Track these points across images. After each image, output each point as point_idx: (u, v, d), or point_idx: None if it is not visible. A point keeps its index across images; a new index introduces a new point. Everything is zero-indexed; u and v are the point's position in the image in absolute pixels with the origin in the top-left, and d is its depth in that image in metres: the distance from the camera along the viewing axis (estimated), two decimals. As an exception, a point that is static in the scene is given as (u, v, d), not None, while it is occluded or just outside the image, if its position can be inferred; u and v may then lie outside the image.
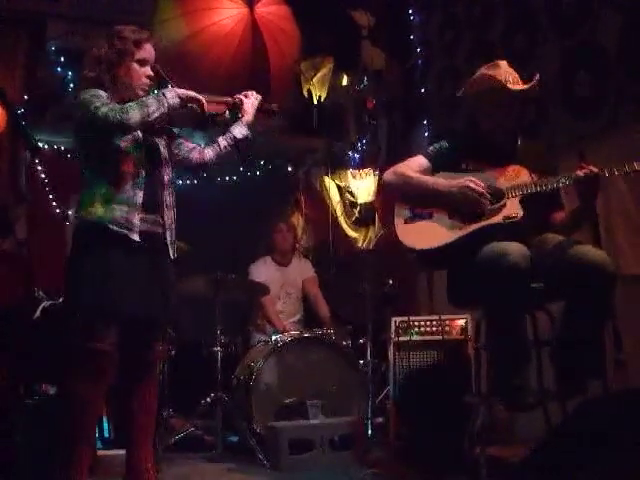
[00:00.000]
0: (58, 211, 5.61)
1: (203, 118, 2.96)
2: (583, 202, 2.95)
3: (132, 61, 2.87)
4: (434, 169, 3.18)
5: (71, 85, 5.10)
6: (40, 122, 5.10)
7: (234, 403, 4.08)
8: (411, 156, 3.28)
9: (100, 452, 3.77)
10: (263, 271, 5.10)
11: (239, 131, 3.10)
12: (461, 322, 4.08)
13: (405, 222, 3.14)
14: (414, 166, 3.20)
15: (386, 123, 6.16)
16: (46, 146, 5.63)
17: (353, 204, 6.17)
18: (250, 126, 3.12)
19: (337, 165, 6.33)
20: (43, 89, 5.18)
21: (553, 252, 2.87)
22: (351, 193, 6.16)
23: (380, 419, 4.40)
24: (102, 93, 2.78)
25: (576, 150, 3.07)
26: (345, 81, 6.26)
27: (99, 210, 2.74)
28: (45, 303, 4.13)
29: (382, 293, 4.71)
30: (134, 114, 2.71)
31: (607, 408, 1.99)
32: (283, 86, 5.09)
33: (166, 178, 2.94)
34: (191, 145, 3.12)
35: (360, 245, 6.03)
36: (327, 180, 6.35)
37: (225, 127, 3.14)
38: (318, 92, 6.06)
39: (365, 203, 6.04)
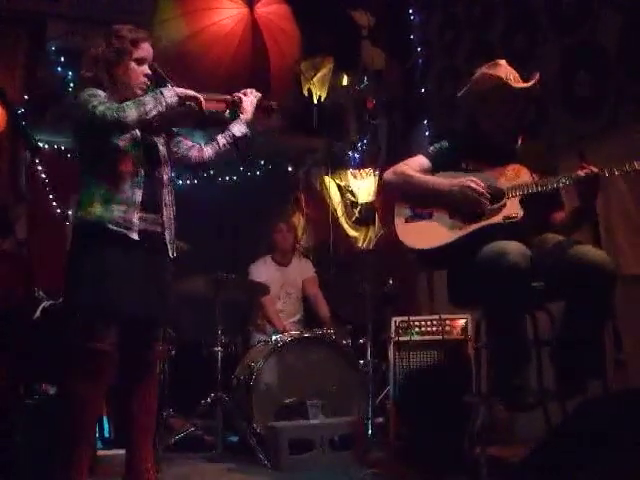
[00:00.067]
0: (58, 211, 5.61)
1: (202, 116, 2.96)
2: (583, 202, 2.95)
3: (130, 60, 2.87)
4: (434, 169, 3.18)
5: (71, 85, 5.10)
6: (40, 122, 5.10)
7: (234, 403, 4.08)
8: (411, 156, 3.28)
9: (100, 452, 3.78)
10: (263, 271, 5.10)
11: (238, 129, 3.10)
12: (461, 322, 4.08)
13: (405, 222, 3.14)
14: (414, 166, 3.20)
15: (386, 123, 6.16)
16: (46, 146, 5.63)
17: (353, 204, 6.17)
18: (249, 124, 3.12)
19: (337, 165, 6.33)
20: (43, 89, 5.18)
21: (553, 252, 2.87)
22: (351, 193, 6.16)
23: (380, 419, 4.40)
24: (100, 93, 2.78)
25: (576, 150, 3.07)
26: (345, 81, 6.26)
27: (98, 210, 2.74)
28: (45, 303, 4.13)
29: (382, 293, 4.71)
30: (131, 112, 2.71)
31: (607, 408, 1.99)
32: (283, 86, 5.09)
33: (165, 177, 2.94)
34: (190, 143, 3.12)
35: (360, 245, 6.03)
36: (327, 180, 6.35)
37: (224, 125, 3.14)
38: (318, 92, 6.06)
39: (365, 203, 6.04)
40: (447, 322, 4.10)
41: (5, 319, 3.87)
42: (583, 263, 2.73)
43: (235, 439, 4.28)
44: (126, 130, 2.77)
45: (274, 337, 4.31)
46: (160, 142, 2.97)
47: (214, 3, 4.62)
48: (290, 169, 6.73)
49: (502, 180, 3.05)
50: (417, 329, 4.14)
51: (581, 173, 2.86)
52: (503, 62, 3.15)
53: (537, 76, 3.08)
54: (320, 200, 6.48)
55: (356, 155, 6.27)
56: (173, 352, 4.45)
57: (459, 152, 3.21)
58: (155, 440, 3.29)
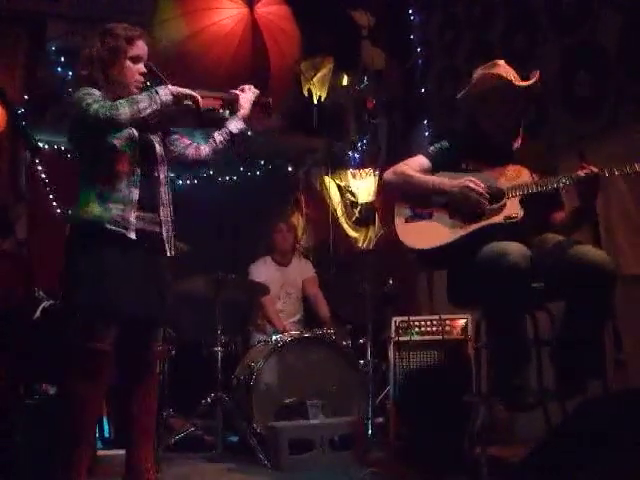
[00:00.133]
0: (58, 211, 5.60)
1: (199, 115, 2.96)
2: (583, 202, 2.95)
3: (125, 59, 2.87)
4: (434, 169, 3.18)
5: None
6: (40, 122, 5.10)
7: (234, 403, 4.08)
8: (411, 156, 3.28)
9: (100, 452, 3.78)
10: (263, 271, 5.10)
11: (235, 125, 3.08)
12: (461, 322, 4.08)
13: (405, 222, 3.14)
14: (414, 166, 3.20)
15: (386, 123, 6.16)
16: (46, 146, 5.63)
17: (353, 204, 6.17)
18: (246, 121, 3.11)
19: (337, 165, 6.33)
20: (43, 89, 5.18)
21: (553, 252, 2.87)
22: (351, 193, 6.16)
23: (380, 419, 4.40)
24: (96, 92, 2.78)
25: (576, 150, 3.07)
26: (345, 81, 6.26)
27: (95, 209, 2.74)
28: (45, 303, 4.13)
29: (382, 293, 4.71)
30: (124, 110, 2.71)
31: (607, 408, 1.99)
32: (283, 86, 5.10)
33: (162, 176, 2.93)
34: (187, 141, 3.11)
35: (360, 245, 6.03)
36: (327, 180, 6.35)
37: (223, 123, 3.13)
38: (318, 92, 6.06)
39: (365, 203, 6.04)
40: (447, 322, 4.10)
41: (5, 319, 3.87)
42: (583, 263, 2.73)
43: (235, 439, 4.27)
44: (119, 128, 2.76)
45: (274, 337, 4.31)
46: (157, 141, 2.96)
47: (214, 3, 4.63)
48: (290, 169, 6.73)
49: (502, 180, 3.05)
50: (417, 329, 4.14)
51: (581, 173, 2.86)
52: (502, 62, 3.15)
53: (537, 74, 3.08)
54: (320, 200, 6.48)
55: (356, 155, 6.27)
56: (173, 352, 4.45)
57: (459, 152, 3.21)
58: (155, 440, 3.29)
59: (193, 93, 2.90)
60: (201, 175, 6.32)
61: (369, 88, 6.12)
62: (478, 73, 3.19)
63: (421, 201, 3.13)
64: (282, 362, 4.18)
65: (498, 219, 2.96)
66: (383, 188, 3.67)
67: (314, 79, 6.01)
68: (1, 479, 3.12)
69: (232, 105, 3.10)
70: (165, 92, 2.81)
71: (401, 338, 4.12)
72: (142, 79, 2.92)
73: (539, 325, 3.11)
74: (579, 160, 2.94)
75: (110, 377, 2.80)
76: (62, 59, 5.24)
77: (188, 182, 6.26)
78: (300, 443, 3.64)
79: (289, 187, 6.79)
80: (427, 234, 3.06)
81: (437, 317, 4.14)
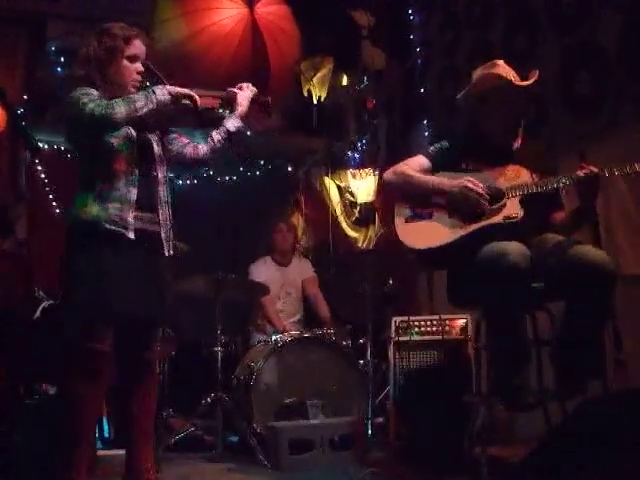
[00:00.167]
0: (58, 211, 5.60)
1: (198, 114, 2.96)
2: (583, 202, 2.95)
3: (122, 58, 2.86)
4: (434, 169, 3.18)
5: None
6: (40, 122, 5.10)
7: (234, 403, 4.08)
8: (411, 156, 3.28)
9: (100, 452, 3.78)
10: (263, 271, 5.10)
11: (232, 124, 3.06)
12: (461, 322, 4.07)
13: (405, 222, 3.14)
14: (414, 166, 3.20)
15: (386, 123, 6.16)
16: (46, 146, 5.63)
17: (353, 204, 6.17)
18: (244, 119, 3.09)
19: (337, 165, 6.33)
20: (43, 89, 5.18)
21: (553, 252, 2.87)
22: (351, 193, 6.16)
23: (380, 419, 4.40)
24: (93, 91, 2.77)
25: (576, 150, 3.07)
26: (345, 81, 6.27)
27: (93, 209, 2.73)
28: (45, 303, 4.13)
29: (382, 293, 4.70)
30: (120, 109, 2.71)
31: (607, 408, 1.99)
32: (283, 86, 5.10)
33: (160, 175, 2.92)
34: (185, 140, 3.09)
35: (360, 245, 6.03)
36: (327, 180, 6.35)
37: (221, 121, 3.12)
38: (318, 92, 6.07)
39: (365, 203, 6.04)
40: (447, 322, 4.10)
41: (5, 319, 3.87)
42: (583, 263, 2.73)
43: (235, 439, 4.27)
44: (116, 127, 2.75)
45: (274, 337, 4.31)
46: (155, 140, 2.95)
47: (214, 3, 4.63)
48: (290, 169, 6.73)
49: (502, 180, 3.05)
50: (417, 329, 4.14)
51: (581, 173, 2.86)
52: (501, 62, 3.15)
53: (536, 74, 3.09)
54: (320, 200, 6.48)
55: (356, 155, 6.27)
56: (173, 352, 4.45)
57: (459, 152, 3.21)
58: (155, 440, 3.29)
59: (191, 93, 2.89)
60: (201, 175, 6.32)
61: (369, 88, 6.12)
62: (478, 73, 3.19)
63: (421, 201, 3.13)
64: (282, 362, 4.18)
65: (498, 219, 2.96)
66: (383, 188, 3.67)
67: (314, 79, 6.01)
68: (1, 479, 3.12)
69: (230, 103, 3.09)
70: (162, 92, 2.81)
71: (401, 338, 4.12)
72: (140, 78, 2.91)
73: (539, 325, 3.11)
74: (579, 160, 2.94)
75: (110, 377, 2.80)
76: (62, 59, 5.25)
77: (188, 182, 6.27)
78: (300, 443, 3.64)
79: (289, 187, 6.79)
80: (427, 234, 3.06)
81: (437, 317, 4.14)
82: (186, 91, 2.88)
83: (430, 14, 5.67)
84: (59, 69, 5.25)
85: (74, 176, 2.90)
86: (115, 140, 2.78)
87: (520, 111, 3.17)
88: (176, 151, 3.05)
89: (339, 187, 6.28)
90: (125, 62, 2.87)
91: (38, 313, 4.12)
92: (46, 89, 5.16)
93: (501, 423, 3.88)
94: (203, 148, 3.08)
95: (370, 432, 4.22)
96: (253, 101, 3.12)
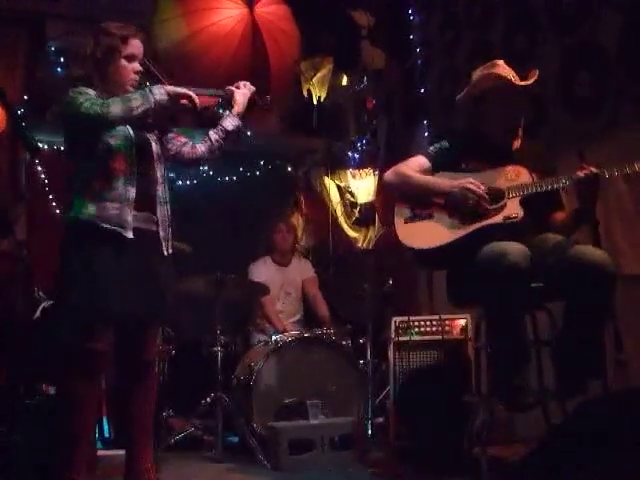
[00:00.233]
0: (58, 211, 5.60)
1: (198, 114, 2.95)
2: (583, 203, 2.95)
3: (120, 57, 2.86)
4: (434, 169, 3.18)
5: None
6: (40, 122, 5.10)
7: (234, 403, 4.08)
8: (411, 156, 3.28)
9: (100, 452, 3.77)
10: (263, 271, 5.10)
11: (230, 122, 3.06)
12: (461, 322, 4.08)
13: (405, 222, 3.14)
14: (414, 166, 3.20)
15: (386, 123, 6.15)
16: (46, 146, 5.63)
17: (353, 204, 6.17)
18: (242, 117, 3.08)
19: (337, 165, 6.32)
20: (43, 89, 5.18)
21: (553, 252, 2.87)
22: (351, 193, 6.16)
23: (380, 419, 4.40)
24: (90, 91, 2.77)
25: (576, 150, 3.07)
26: (345, 81, 6.26)
27: (91, 208, 2.72)
28: (45, 303, 4.14)
29: (382, 293, 4.70)
30: (115, 108, 2.71)
31: (607, 408, 1.99)
32: (283, 86, 5.10)
33: (159, 174, 2.91)
34: (183, 140, 3.08)
35: (360, 245, 6.03)
36: (327, 180, 6.35)
37: (219, 120, 3.12)
38: (318, 92, 6.06)
39: (365, 203, 6.03)
40: (447, 322, 4.10)
41: (5, 319, 3.87)
42: (583, 263, 2.73)
43: (235, 439, 4.27)
44: (112, 125, 2.75)
45: (274, 337, 4.31)
46: (153, 139, 2.94)
47: (214, 3, 4.63)
48: (290, 169, 6.73)
49: (502, 180, 3.05)
50: (417, 329, 4.14)
51: (580, 174, 2.86)
52: (501, 62, 3.15)
53: (536, 73, 3.09)
54: (320, 200, 6.48)
55: (355, 155, 6.26)
56: (173, 352, 4.45)
57: (459, 152, 3.21)
58: (155, 440, 3.29)
59: (189, 92, 2.89)
60: (201, 175, 6.32)
61: (369, 88, 6.12)
62: (478, 73, 3.19)
63: (421, 201, 3.13)
64: (282, 362, 4.18)
65: (498, 219, 2.96)
66: (383, 188, 3.67)
67: (314, 79, 6.01)
68: (1, 479, 3.12)
69: (228, 102, 3.08)
70: (160, 91, 2.81)
71: (401, 338, 4.12)
72: (138, 77, 2.91)
73: (539, 325, 3.11)
74: (579, 160, 2.94)
75: (110, 377, 2.80)
76: (62, 59, 5.24)
77: (188, 182, 6.26)
78: (300, 443, 3.65)
79: (289, 187, 6.78)
80: (427, 234, 3.06)
81: (437, 317, 4.15)
82: (185, 91, 2.88)
83: (430, 14, 5.67)
84: (59, 69, 5.25)
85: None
86: (113, 139, 2.77)
87: (520, 111, 3.17)
88: (174, 150, 3.05)
89: (339, 187, 6.28)
90: (123, 61, 2.87)
91: (38, 313, 4.12)
92: (46, 89, 5.16)
93: (501, 423, 3.88)
94: (201, 147, 3.07)
95: (370, 432, 4.23)
96: (252, 100, 3.12)
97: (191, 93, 2.89)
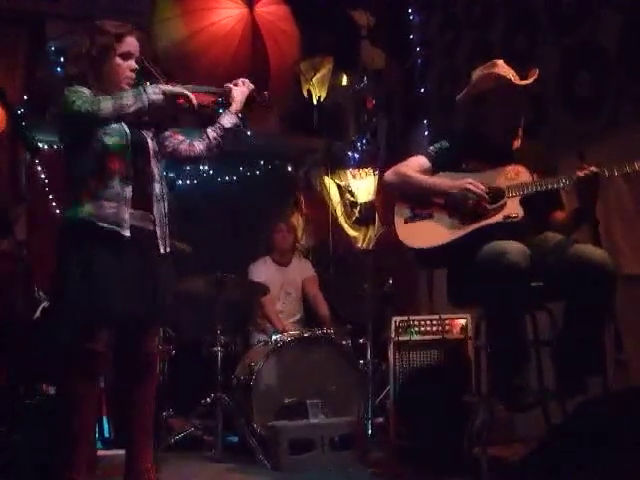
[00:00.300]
0: (58, 211, 5.60)
1: (197, 114, 2.94)
2: (583, 203, 2.95)
3: (115, 55, 2.84)
4: (435, 169, 3.18)
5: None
6: (40, 122, 5.10)
7: (234, 403, 4.08)
8: (412, 156, 3.28)
9: (100, 452, 3.77)
10: (263, 271, 5.10)
11: (228, 120, 3.04)
12: (461, 322, 4.08)
13: (405, 222, 3.14)
14: (415, 166, 3.20)
15: (386, 123, 6.16)
16: (46, 146, 5.63)
17: (353, 204, 6.17)
18: (240, 115, 3.06)
19: (337, 165, 6.32)
20: (43, 89, 5.17)
21: (553, 251, 2.87)
22: (351, 193, 6.16)
23: (380, 419, 4.40)
24: (84, 90, 2.75)
25: (576, 150, 3.07)
26: (345, 81, 6.26)
27: (88, 208, 2.71)
28: (45, 303, 4.13)
29: (382, 293, 4.70)
30: (106, 105, 2.70)
31: (607, 408, 1.99)
32: (283, 86, 5.10)
33: (155, 171, 2.89)
34: (180, 138, 3.06)
35: (360, 245, 6.03)
36: (327, 180, 6.35)
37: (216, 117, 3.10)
38: (318, 92, 6.07)
39: (365, 203, 6.03)
40: (447, 322, 4.10)
41: (5, 319, 3.87)
42: (583, 262, 2.73)
43: (235, 439, 4.27)
44: (103, 123, 2.73)
45: (274, 337, 4.31)
46: (149, 136, 2.92)
47: (214, 3, 4.63)
48: (290, 169, 6.73)
49: (502, 180, 3.05)
50: (417, 329, 4.14)
51: (581, 174, 2.85)
52: (501, 62, 3.15)
53: (536, 73, 3.08)
54: (320, 200, 6.48)
55: (355, 155, 6.26)
56: (173, 352, 4.45)
57: (459, 152, 3.21)
58: (155, 440, 3.29)
59: (186, 92, 2.87)
60: (201, 175, 6.32)
61: (369, 88, 6.12)
62: (477, 73, 3.19)
63: (421, 201, 3.13)
64: (282, 362, 4.18)
65: (498, 219, 2.96)
66: (383, 188, 3.67)
67: (314, 79, 6.01)
68: (1, 479, 3.12)
69: (226, 99, 3.06)
70: (154, 90, 2.80)
71: (401, 338, 4.12)
72: (134, 75, 2.89)
73: (539, 325, 3.11)
74: (579, 160, 2.94)
75: (110, 377, 2.80)
76: (62, 59, 5.24)
77: (188, 182, 6.26)
78: (300, 443, 3.64)
79: (289, 187, 6.78)
80: (427, 234, 3.06)
81: (437, 317, 4.15)
82: (182, 91, 2.86)
83: (430, 14, 5.67)
84: (59, 69, 5.25)
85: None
86: (108, 137, 2.75)
87: (520, 111, 3.17)
88: (172, 148, 3.03)
89: (339, 187, 6.28)
90: (118, 60, 2.85)
91: (38, 313, 4.12)
92: (46, 89, 5.16)
93: (501, 423, 3.88)
94: (199, 145, 3.05)
95: (370, 432, 4.23)
96: (251, 97, 3.11)
97: (188, 93, 2.87)
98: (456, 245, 2.99)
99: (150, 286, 2.79)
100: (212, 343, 4.19)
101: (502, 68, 3.11)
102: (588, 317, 2.76)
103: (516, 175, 3.05)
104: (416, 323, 4.14)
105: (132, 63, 2.89)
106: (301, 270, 5.27)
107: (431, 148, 3.28)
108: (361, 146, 6.25)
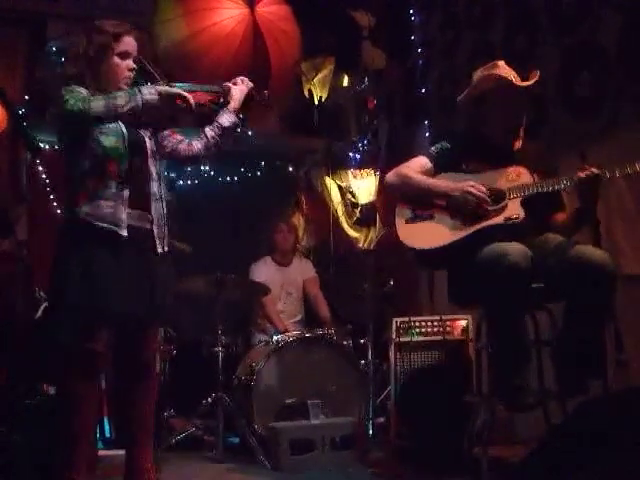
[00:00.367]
0: (59, 211, 5.60)
1: (196, 114, 2.94)
2: (584, 203, 2.95)
3: (112, 55, 2.83)
4: (436, 170, 3.18)
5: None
6: (40, 122, 5.10)
7: (235, 403, 4.08)
8: (413, 156, 3.28)
9: (100, 452, 3.78)
10: (264, 271, 5.10)
11: (226, 119, 3.02)
12: (462, 322, 4.07)
13: (406, 222, 3.14)
14: (416, 167, 3.20)
15: (387, 123, 6.16)
16: (47, 146, 5.63)
17: (354, 204, 6.17)
18: (238, 113, 3.05)
19: (338, 165, 6.32)
20: (43, 89, 5.17)
21: (554, 252, 2.87)
22: (352, 193, 6.16)
23: (381, 419, 4.40)
24: (81, 89, 2.74)
25: (576, 150, 3.08)
26: (346, 81, 6.27)
27: (86, 207, 2.70)
28: (45, 303, 4.13)
29: (383, 293, 4.70)
30: (97, 104, 2.69)
31: (607, 408, 1.99)
32: (284, 86, 5.09)
33: (153, 171, 2.88)
34: (179, 137, 3.05)
35: (361, 245, 6.03)
36: (328, 180, 6.35)
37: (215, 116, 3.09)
38: (319, 92, 6.07)
39: (366, 203, 6.03)
40: (448, 323, 4.10)
41: (5, 319, 3.87)
42: (583, 263, 2.73)
43: (236, 439, 4.27)
44: (92, 122, 2.72)
45: (275, 337, 4.31)
46: (147, 136, 2.91)
47: (215, 3, 4.62)
48: (291, 169, 6.73)
49: (503, 181, 3.05)
50: (418, 330, 4.14)
51: (582, 175, 2.85)
52: (501, 63, 3.15)
53: (537, 74, 3.08)
54: (320, 200, 6.48)
55: (356, 155, 6.26)
56: (174, 352, 4.45)
57: (460, 153, 3.21)
58: (155, 440, 3.29)
59: (183, 93, 2.85)
60: (202, 175, 6.32)
61: (369, 88, 6.12)
62: (478, 74, 3.19)
63: (422, 202, 3.13)
64: (283, 362, 4.18)
65: (499, 220, 2.96)
66: (384, 189, 3.66)
67: (315, 79, 6.01)
68: (1, 479, 3.13)
69: (224, 98, 3.05)
70: (150, 91, 2.78)
71: (402, 339, 4.12)
72: (131, 75, 2.88)
73: (539, 325, 3.11)
74: (580, 161, 2.94)
75: (110, 377, 2.80)
76: (62, 59, 5.24)
77: (189, 182, 6.26)
78: (301, 443, 3.64)
79: (290, 187, 6.78)
80: (428, 235, 3.06)
81: (438, 318, 4.14)
82: (178, 91, 2.85)
83: (430, 14, 5.67)
84: (59, 69, 5.25)
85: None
86: (105, 137, 2.74)
87: (521, 111, 3.17)
88: (170, 148, 3.01)
89: (340, 187, 6.28)
90: (116, 59, 2.84)
91: (40, 313, 4.12)
92: (46, 89, 5.16)
93: (501, 423, 3.88)
94: (197, 145, 3.03)
95: (371, 432, 4.23)
96: (250, 95, 3.10)
97: (185, 94, 2.86)
98: (457, 246, 2.99)
99: (148, 286, 2.78)
100: (213, 343, 4.19)
101: (503, 69, 3.11)
102: (588, 317, 2.76)
103: (517, 176, 3.05)
104: (417, 324, 4.14)
105: (130, 62, 2.87)
106: (302, 270, 5.27)
107: (432, 149, 3.28)
108: (362, 146, 6.25)
